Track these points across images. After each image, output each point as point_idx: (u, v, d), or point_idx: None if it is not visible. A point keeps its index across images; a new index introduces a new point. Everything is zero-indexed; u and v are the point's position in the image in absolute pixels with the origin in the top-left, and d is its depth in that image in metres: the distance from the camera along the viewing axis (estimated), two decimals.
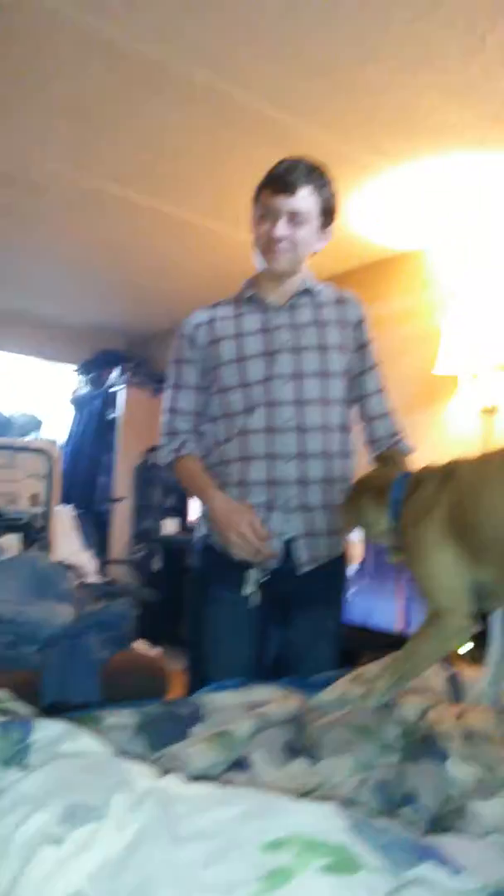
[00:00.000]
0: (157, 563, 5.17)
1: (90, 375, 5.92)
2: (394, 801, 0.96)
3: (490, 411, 3.37)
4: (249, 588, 1.69)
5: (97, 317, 5.65)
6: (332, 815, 0.62)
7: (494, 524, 1.24)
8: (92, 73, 2.43)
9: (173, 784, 0.71)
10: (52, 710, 1.26)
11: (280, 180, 1.64)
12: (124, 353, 6.04)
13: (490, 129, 2.62)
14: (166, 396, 1.83)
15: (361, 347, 1.83)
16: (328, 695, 1.44)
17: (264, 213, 1.68)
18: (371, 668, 1.65)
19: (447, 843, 0.63)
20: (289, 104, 2.55)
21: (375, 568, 3.24)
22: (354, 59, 2.28)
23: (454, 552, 1.29)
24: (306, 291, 1.79)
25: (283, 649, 1.77)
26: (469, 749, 1.14)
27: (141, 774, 0.72)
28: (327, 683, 1.53)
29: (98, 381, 5.83)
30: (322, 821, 0.61)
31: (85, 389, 5.97)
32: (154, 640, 3.02)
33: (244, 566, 1.68)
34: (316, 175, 1.67)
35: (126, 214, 3.55)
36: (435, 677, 1.57)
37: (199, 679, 1.62)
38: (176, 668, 3.77)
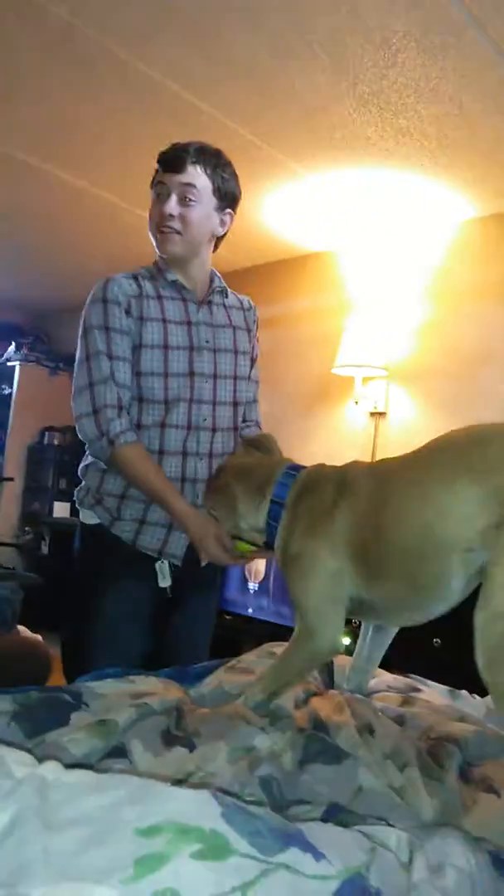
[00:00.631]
0: (45, 547, 5.06)
1: None
2: (282, 803, 0.99)
3: (380, 414, 3.52)
4: (167, 581, 1.69)
5: None
6: (206, 802, 0.65)
7: (398, 539, 1.19)
8: (5, 32, 2.34)
9: (50, 771, 0.71)
10: None
11: (170, 158, 1.61)
12: (22, 327, 5.83)
13: (399, 143, 2.72)
14: (93, 367, 1.62)
15: (254, 360, 1.87)
16: (206, 686, 1.47)
17: (157, 193, 1.64)
18: (246, 658, 1.69)
19: (312, 830, 0.68)
20: (206, 94, 2.56)
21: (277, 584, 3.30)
22: (274, 58, 2.31)
23: (337, 571, 1.25)
24: (221, 291, 1.78)
25: (168, 633, 1.79)
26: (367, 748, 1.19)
27: (17, 761, 0.72)
28: (206, 673, 1.56)
29: None
30: (195, 807, 0.64)
31: None
32: (37, 626, 2.96)
33: (153, 558, 1.67)
34: (209, 155, 1.63)
35: (31, 182, 3.43)
36: None
37: (83, 668, 1.59)
38: (57, 653, 3.71)
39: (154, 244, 1.68)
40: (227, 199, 1.68)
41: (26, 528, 5.26)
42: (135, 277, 1.68)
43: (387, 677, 1.75)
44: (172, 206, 1.60)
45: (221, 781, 1.04)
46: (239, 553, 1.56)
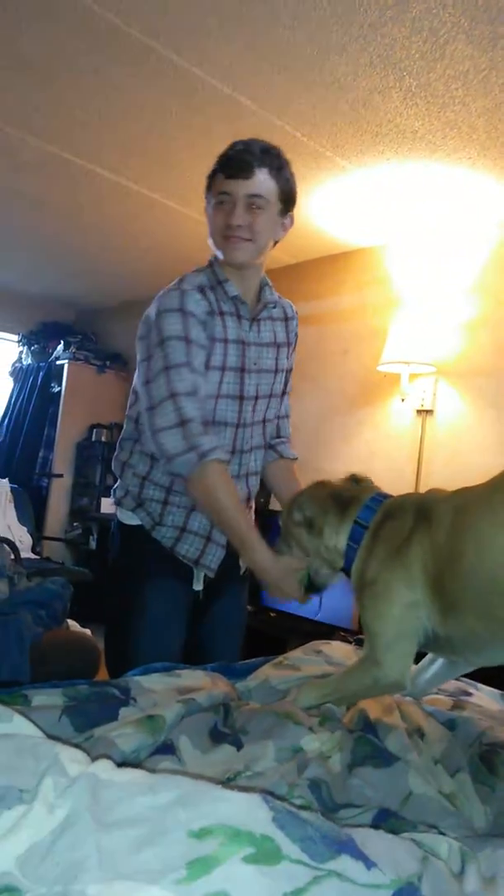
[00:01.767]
0: (92, 542, 5.14)
1: (33, 347, 5.80)
2: (331, 806, 0.99)
3: (427, 412, 3.47)
4: (200, 585, 1.71)
5: (44, 286, 5.53)
6: (257, 806, 0.65)
7: (478, 570, 1.13)
8: (56, 37, 2.38)
9: (103, 769, 0.72)
10: None
11: (235, 163, 1.52)
12: (70, 326, 5.94)
13: (447, 136, 2.68)
14: (173, 378, 1.51)
15: (289, 372, 1.84)
16: (253, 681, 1.47)
17: (220, 201, 1.56)
18: (293, 655, 1.69)
19: (363, 836, 0.67)
20: (253, 91, 2.55)
21: None
22: (319, 51, 2.29)
23: (412, 602, 1.20)
24: (269, 305, 1.74)
25: (202, 627, 1.80)
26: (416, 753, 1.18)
27: (72, 759, 0.73)
28: (252, 669, 1.56)
29: (42, 353, 5.72)
30: (247, 811, 0.64)
31: (27, 360, 5.85)
32: (86, 620, 3.01)
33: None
34: (273, 156, 1.55)
35: (82, 184, 3.49)
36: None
37: (126, 664, 1.56)
38: None
39: (216, 251, 1.63)
40: (290, 202, 1.63)
41: (75, 524, 5.35)
42: (202, 291, 1.60)
43: None
44: (240, 214, 1.54)
45: (269, 782, 1.04)
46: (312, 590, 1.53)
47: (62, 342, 5.51)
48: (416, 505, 1.29)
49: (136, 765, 0.96)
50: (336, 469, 1.66)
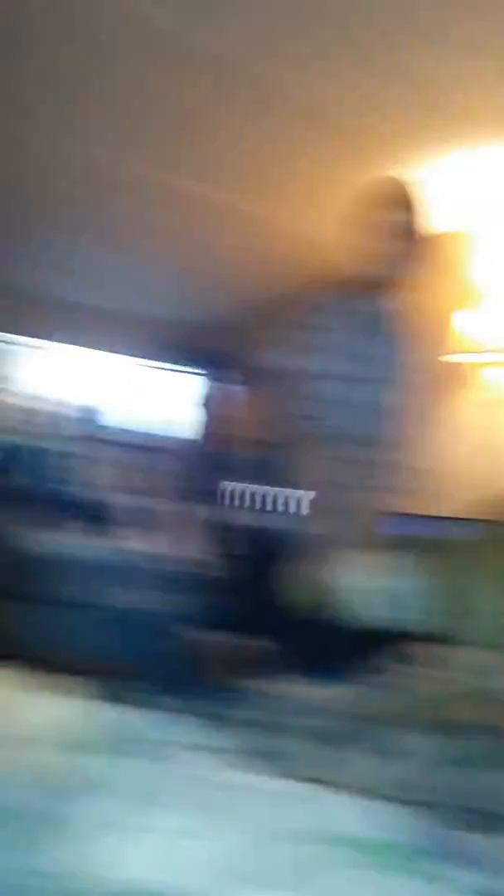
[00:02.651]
0: None
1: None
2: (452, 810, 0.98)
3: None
4: None
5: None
6: (372, 812, 0.66)
7: None
8: (156, 66, 2.41)
9: (253, 779, 0.74)
10: None
11: (385, 196, 1.80)
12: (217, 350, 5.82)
13: None
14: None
15: None
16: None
17: (366, 225, 1.80)
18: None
19: (485, 843, 0.67)
20: (335, 88, 2.52)
21: None
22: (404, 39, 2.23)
23: None
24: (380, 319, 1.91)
25: None
26: None
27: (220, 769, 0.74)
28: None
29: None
30: (363, 817, 0.65)
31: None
32: None
33: None
34: (413, 195, 1.83)
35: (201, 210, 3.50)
36: None
37: None
38: None
39: (354, 267, 1.85)
40: (418, 236, 1.85)
41: None
42: (343, 301, 1.89)
43: None
44: (383, 241, 1.79)
45: (389, 785, 1.04)
46: None
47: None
48: None
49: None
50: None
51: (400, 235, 1.82)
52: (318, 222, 3.45)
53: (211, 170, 3.14)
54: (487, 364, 3.38)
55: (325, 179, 3.20)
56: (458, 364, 3.48)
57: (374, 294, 1.86)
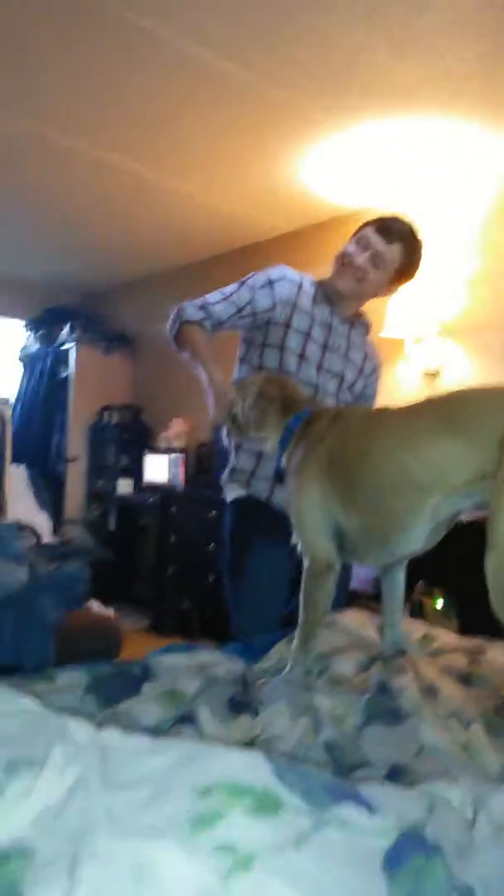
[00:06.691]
0: (111, 523, 5.19)
1: (40, 332, 5.80)
2: (346, 766, 1.00)
3: (433, 374, 3.44)
4: None
5: (47, 271, 5.52)
6: (257, 761, 0.66)
7: (364, 470, 1.34)
8: (42, 19, 2.35)
9: (111, 736, 0.74)
10: (4, 672, 1.28)
11: (386, 227, 1.91)
12: (74, 310, 5.91)
13: (438, 89, 2.62)
14: (218, 294, 1.90)
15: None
16: (268, 661, 1.49)
17: (358, 242, 1.93)
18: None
19: (369, 788, 0.68)
20: (236, 56, 2.51)
21: None
22: (304, 8, 2.24)
23: (322, 490, 1.39)
24: (364, 322, 2.09)
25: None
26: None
27: (80, 729, 0.75)
28: (269, 647, 1.58)
29: (48, 338, 5.72)
30: (247, 767, 0.65)
31: (35, 346, 5.85)
32: (108, 601, 3.05)
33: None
34: (412, 239, 1.93)
35: (78, 166, 3.47)
36: (367, 629, 1.65)
37: (238, 624, 1.86)
38: (129, 627, 3.81)
39: (333, 272, 1.98)
40: (404, 277, 1.97)
41: (93, 506, 5.40)
42: (301, 275, 2.01)
43: (451, 638, 1.74)
44: (364, 260, 1.90)
45: (286, 744, 1.06)
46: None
47: (67, 326, 5.51)
48: (334, 413, 1.51)
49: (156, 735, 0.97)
50: None
51: (386, 268, 1.92)
52: (221, 191, 3.50)
53: (101, 128, 3.12)
54: (419, 339, 3.43)
55: (229, 150, 3.21)
56: (391, 339, 3.52)
57: (340, 301, 1.99)
